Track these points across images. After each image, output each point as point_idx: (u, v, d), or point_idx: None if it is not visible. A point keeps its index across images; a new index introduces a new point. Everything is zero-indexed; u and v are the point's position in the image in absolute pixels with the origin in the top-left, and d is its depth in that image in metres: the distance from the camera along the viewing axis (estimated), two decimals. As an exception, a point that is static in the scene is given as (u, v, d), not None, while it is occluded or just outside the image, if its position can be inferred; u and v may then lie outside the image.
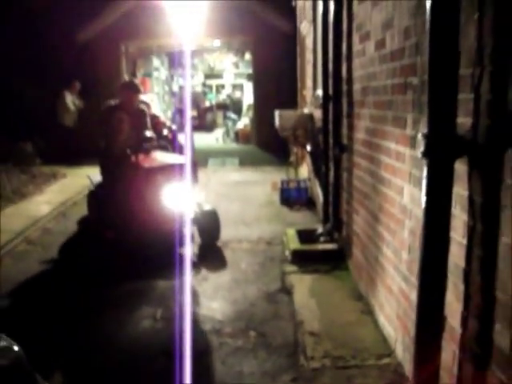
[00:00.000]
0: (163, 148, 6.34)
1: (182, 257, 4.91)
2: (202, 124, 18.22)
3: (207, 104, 19.42)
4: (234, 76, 18.96)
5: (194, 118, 17.70)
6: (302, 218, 7.19)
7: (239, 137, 15.42)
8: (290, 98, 10.95)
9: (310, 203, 7.80)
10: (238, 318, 4.31)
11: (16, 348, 2.15)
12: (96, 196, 6.36)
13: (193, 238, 5.88)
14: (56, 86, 12.22)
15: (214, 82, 19.70)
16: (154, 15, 12.26)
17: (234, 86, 19.00)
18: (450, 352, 2.53)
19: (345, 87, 5.08)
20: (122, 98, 6.12)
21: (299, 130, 7.89)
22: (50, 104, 12.21)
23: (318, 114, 6.73)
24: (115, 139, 5.90)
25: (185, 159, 5.79)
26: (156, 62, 16.88)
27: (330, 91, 5.50)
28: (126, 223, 5.48)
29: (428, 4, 2.24)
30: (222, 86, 19.58)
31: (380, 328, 3.92)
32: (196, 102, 18.45)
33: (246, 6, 12.44)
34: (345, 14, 5.00)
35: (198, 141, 11.19)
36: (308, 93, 8.79)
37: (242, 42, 14.30)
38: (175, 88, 18.75)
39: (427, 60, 2.29)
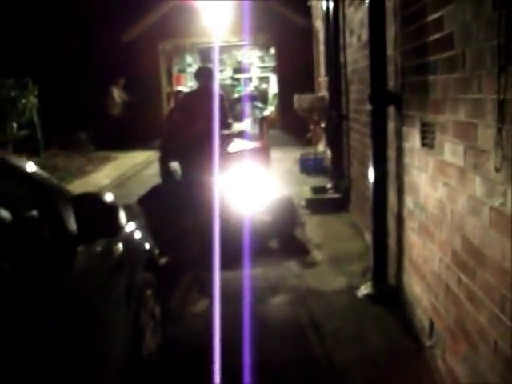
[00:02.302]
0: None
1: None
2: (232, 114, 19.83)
3: (236, 96, 21.00)
4: (260, 69, 20.52)
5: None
6: (317, 181, 8.70)
7: (263, 123, 17.02)
8: (309, 86, 12.47)
9: (324, 171, 9.31)
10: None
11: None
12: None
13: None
14: (103, 81, 13.97)
15: (241, 76, 21.28)
16: (188, 16, 13.94)
17: (261, 79, 20.54)
18: (393, 225, 4.09)
19: (342, 70, 6.63)
20: (199, 83, 6.33)
21: (314, 110, 9.43)
22: (99, 98, 13.94)
23: (327, 95, 8.27)
24: (195, 125, 5.86)
25: (262, 145, 6.02)
26: (189, 58, 18.58)
27: (333, 75, 7.06)
28: (206, 207, 5.17)
29: (368, 15, 3.82)
30: (250, 79, 21.14)
31: (366, 241, 5.47)
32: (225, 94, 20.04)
33: (269, 6, 14.02)
34: (340, 13, 6.55)
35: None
36: (322, 79, 10.34)
37: (267, 38, 15.86)
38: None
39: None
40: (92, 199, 2.29)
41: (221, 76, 20.48)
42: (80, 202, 2.25)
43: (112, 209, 2.24)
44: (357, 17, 5.38)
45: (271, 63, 18.35)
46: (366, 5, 3.97)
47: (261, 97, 19.69)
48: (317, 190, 7.47)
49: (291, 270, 4.94)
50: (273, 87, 18.54)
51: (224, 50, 19.40)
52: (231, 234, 4.98)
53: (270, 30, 14.67)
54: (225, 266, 4.49)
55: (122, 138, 13.70)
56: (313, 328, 3.81)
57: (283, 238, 5.71)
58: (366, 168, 5.30)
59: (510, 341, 2.07)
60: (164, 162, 6.58)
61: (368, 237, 5.42)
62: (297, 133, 13.46)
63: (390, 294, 4.15)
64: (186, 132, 5.94)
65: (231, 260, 4.73)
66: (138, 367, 3.02)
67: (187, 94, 6.79)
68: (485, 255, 2.28)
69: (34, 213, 2.24)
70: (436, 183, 2.96)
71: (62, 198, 2.32)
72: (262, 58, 20.14)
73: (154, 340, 3.34)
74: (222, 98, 6.39)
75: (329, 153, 8.67)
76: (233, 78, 21.46)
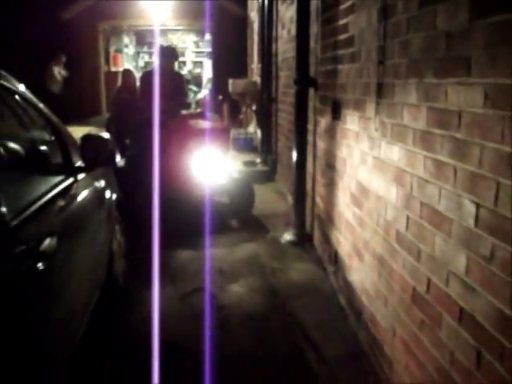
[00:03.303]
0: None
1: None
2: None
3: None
4: (195, 54, 21.25)
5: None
6: (248, 157, 9.70)
7: (199, 105, 17.88)
8: (242, 71, 13.41)
9: (254, 149, 10.31)
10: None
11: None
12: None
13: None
14: (43, 58, 14.30)
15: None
16: (127, -1, 14.51)
17: (195, 63, 21.27)
18: (310, 184, 5.12)
19: (274, 59, 7.63)
20: (161, 63, 6.37)
21: (247, 94, 10.39)
22: (39, 74, 14.26)
23: (260, 80, 9.25)
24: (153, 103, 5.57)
25: (222, 125, 6.27)
26: (126, 39, 19.08)
27: (265, 62, 8.04)
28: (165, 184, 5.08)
29: (296, 14, 4.80)
30: (184, 63, 21.82)
31: (288, 203, 6.50)
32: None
33: (207, -6, 14.85)
34: (274, 8, 7.53)
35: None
36: (254, 65, 11.32)
37: (203, 24, 16.65)
38: (141, 63, 20.95)
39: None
40: (94, 136, 3.15)
41: (153, 59, 21.10)
42: (85, 139, 3.09)
43: (109, 143, 3.10)
44: (288, 13, 6.37)
45: (206, 48, 19.15)
46: (295, 5, 4.96)
47: (195, 80, 20.52)
48: (247, 163, 8.46)
49: (242, 237, 5.80)
50: (207, 71, 19.37)
51: (160, 34, 19.99)
52: (191, 213, 5.30)
53: (206, 17, 15.46)
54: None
55: (61, 113, 14.10)
56: (247, 264, 4.79)
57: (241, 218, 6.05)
58: (291, 142, 6.34)
59: (381, 244, 3.11)
60: (117, 140, 6.84)
61: (290, 199, 6.46)
62: (229, 114, 14.40)
63: (306, 239, 5.20)
64: (146, 110, 5.76)
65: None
66: (111, 285, 3.87)
67: (147, 72, 6.79)
68: (368, 190, 3.33)
69: (45, 147, 3.06)
70: (341, 146, 3.99)
71: (67, 135, 3.17)
72: (196, 43, 20.85)
73: (120, 266, 4.20)
74: (181, 79, 6.69)
75: (259, 132, 9.66)
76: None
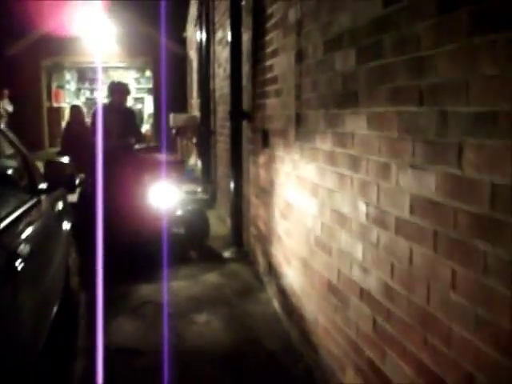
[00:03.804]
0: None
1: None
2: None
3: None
4: (136, 90, 21.74)
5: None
6: (189, 187, 10.20)
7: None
8: (183, 106, 14.04)
9: (195, 180, 10.83)
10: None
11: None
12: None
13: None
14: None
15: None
16: (69, 37, 14.94)
17: (136, 99, 21.74)
18: (245, 206, 5.68)
19: (212, 95, 8.25)
20: (113, 98, 6.50)
21: (188, 127, 10.97)
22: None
23: (199, 114, 9.86)
24: (107, 138, 5.72)
25: (177, 158, 6.60)
26: (68, 75, 19.41)
27: (204, 98, 8.66)
28: (119, 219, 5.27)
29: (230, 55, 5.44)
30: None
31: (227, 226, 7.04)
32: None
33: (148, 34, 15.47)
34: (211, 48, 8.19)
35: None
36: (194, 101, 11.95)
37: (144, 61, 17.26)
38: (82, 99, 21.25)
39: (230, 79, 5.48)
40: (55, 162, 3.62)
41: (97, 95, 21.43)
42: (47, 164, 3.56)
43: (68, 167, 3.58)
44: (223, 54, 7.03)
45: (146, 85, 19.69)
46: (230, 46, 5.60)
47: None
48: (189, 192, 8.97)
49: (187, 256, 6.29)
50: (148, 107, 19.88)
51: (101, 71, 20.41)
52: (148, 246, 5.35)
53: (147, 55, 16.09)
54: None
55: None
56: (191, 278, 5.29)
57: (197, 249, 6.13)
58: (229, 171, 6.91)
59: (304, 249, 3.68)
60: None
61: (229, 223, 7.01)
62: (169, 148, 14.92)
63: (244, 256, 5.75)
64: (99, 145, 5.52)
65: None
66: (67, 298, 4.26)
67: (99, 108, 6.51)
68: (293, 205, 3.92)
69: (11, 171, 3.51)
70: (270, 169, 4.59)
71: (31, 161, 3.63)
72: (137, 80, 21.36)
73: (74, 282, 4.60)
74: (133, 113, 6.92)
75: (199, 163, 10.22)
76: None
